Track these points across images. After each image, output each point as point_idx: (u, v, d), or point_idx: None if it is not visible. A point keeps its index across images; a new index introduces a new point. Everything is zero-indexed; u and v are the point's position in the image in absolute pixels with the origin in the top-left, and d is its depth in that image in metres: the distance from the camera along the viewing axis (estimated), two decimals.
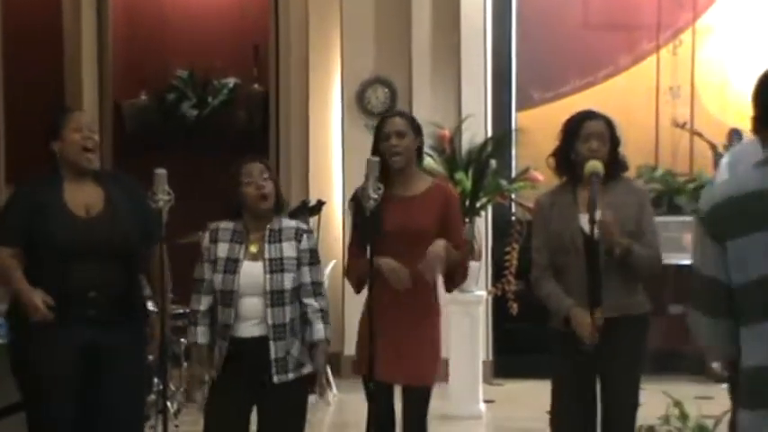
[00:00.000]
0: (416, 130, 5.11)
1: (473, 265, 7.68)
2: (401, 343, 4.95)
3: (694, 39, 9.93)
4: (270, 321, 4.73)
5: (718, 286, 2.88)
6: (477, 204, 8.07)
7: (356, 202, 4.98)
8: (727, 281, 2.86)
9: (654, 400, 5.75)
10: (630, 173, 8.59)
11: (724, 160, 5.05)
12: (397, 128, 5.04)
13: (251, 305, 4.76)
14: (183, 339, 7.18)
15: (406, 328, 4.98)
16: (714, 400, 6.50)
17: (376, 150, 5.04)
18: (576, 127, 4.90)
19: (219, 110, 11.53)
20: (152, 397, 6.85)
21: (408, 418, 5.05)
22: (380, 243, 4.87)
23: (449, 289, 5.19)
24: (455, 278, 5.13)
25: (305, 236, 4.88)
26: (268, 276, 4.74)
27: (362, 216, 4.85)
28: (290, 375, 4.76)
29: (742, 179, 2.98)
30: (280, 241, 4.83)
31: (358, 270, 5.01)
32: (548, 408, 5.00)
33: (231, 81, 11.54)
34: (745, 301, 2.84)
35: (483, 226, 8.82)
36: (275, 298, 4.73)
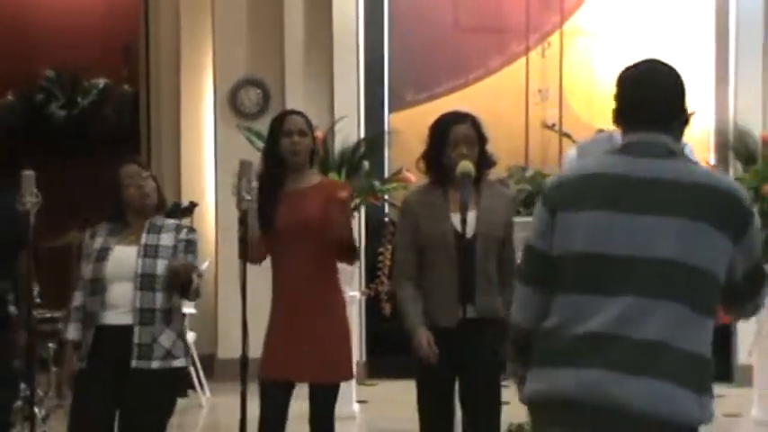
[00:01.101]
0: (312, 130, 5.19)
1: (348, 267, 7.72)
2: (307, 339, 4.95)
3: (562, 41, 10.09)
4: (137, 305, 4.70)
5: (540, 257, 3.10)
6: (350, 205, 8.08)
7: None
8: (549, 251, 3.07)
9: (514, 399, 5.82)
10: (501, 173, 8.80)
11: (572, 152, 5.16)
12: (299, 126, 5.09)
13: (120, 292, 4.75)
14: (51, 344, 7.06)
15: (312, 323, 4.98)
16: None
17: (273, 147, 5.05)
18: (443, 131, 4.94)
19: (89, 110, 11.36)
20: (18, 403, 6.70)
21: (316, 418, 5.04)
22: (273, 239, 4.94)
23: (342, 259, 5.20)
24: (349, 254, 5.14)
25: (185, 230, 4.98)
26: (140, 260, 4.75)
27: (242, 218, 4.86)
28: (155, 364, 4.72)
29: (592, 162, 3.19)
30: (159, 232, 4.89)
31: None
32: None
33: (101, 81, 11.38)
34: (562, 272, 3.03)
35: (356, 227, 8.84)
36: (145, 282, 4.73)
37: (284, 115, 5.25)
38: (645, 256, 2.93)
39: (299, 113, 5.28)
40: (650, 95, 3.08)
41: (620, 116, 3.13)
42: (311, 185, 5.11)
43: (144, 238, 4.84)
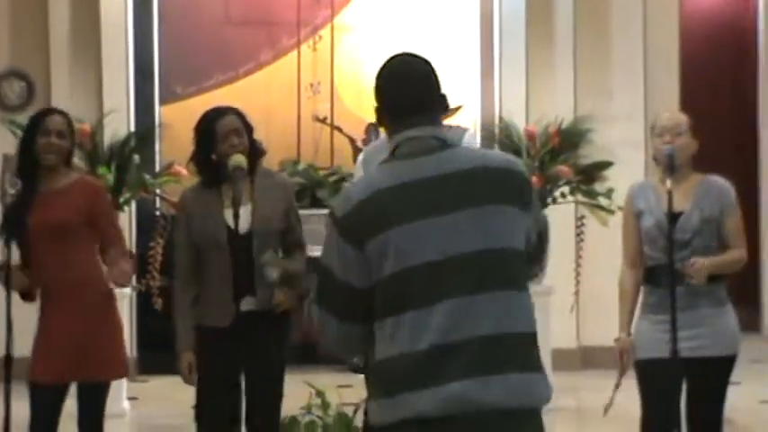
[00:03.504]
0: (73, 131, 5.08)
1: None
2: (76, 338, 4.84)
3: (333, 35, 10.18)
4: None
5: (352, 292, 2.96)
6: (121, 200, 7.96)
7: None
8: (361, 285, 2.94)
9: (296, 390, 5.86)
10: (273, 167, 8.82)
11: (360, 157, 5.23)
12: (58, 127, 4.95)
13: None
14: None
15: (80, 321, 4.87)
16: (353, 389, 6.69)
17: (28, 144, 4.92)
18: (209, 128, 4.91)
19: None
20: None
21: (84, 417, 4.94)
22: (29, 239, 4.84)
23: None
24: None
25: None
26: None
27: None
28: None
29: (369, 180, 3.05)
30: None
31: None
32: (192, 403, 4.99)
33: None
34: (381, 296, 2.92)
35: (127, 221, 8.71)
36: None
37: (45, 113, 5.09)
38: (460, 252, 2.91)
39: (61, 113, 5.10)
40: (412, 90, 3.07)
41: (387, 115, 3.08)
42: (66, 184, 4.97)
43: None
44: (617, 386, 4.82)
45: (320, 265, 3.02)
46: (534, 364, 2.96)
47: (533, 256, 3.12)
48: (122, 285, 5.21)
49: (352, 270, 2.95)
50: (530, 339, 2.97)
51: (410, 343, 2.87)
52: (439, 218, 2.92)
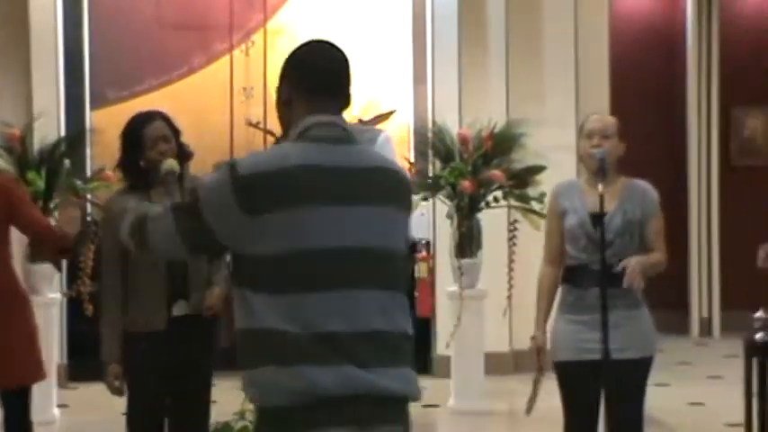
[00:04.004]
0: None
1: (49, 268, 7.54)
2: None
3: (266, 40, 10.15)
4: None
5: (210, 235, 2.93)
6: (51, 205, 7.88)
7: None
8: (221, 239, 2.93)
9: (229, 395, 5.83)
10: (207, 171, 8.75)
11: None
12: None
13: None
14: None
15: None
16: None
17: None
18: (137, 134, 4.88)
19: None
20: None
21: (9, 424, 4.88)
22: None
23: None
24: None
25: None
26: None
27: None
28: None
29: (284, 152, 2.98)
30: None
31: None
32: (123, 410, 4.95)
33: None
34: (279, 269, 2.88)
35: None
36: None
37: None
38: (367, 245, 2.93)
39: None
40: (332, 74, 3.05)
41: (301, 94, 3.02)
42: None
43: None
44: (537, 384, 4.83)
45: (195, 193, 2.97)
46: (410, 363, 3.02)
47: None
48: (71, 232, 5.05)
49: (223, 224, 2.91)
50: (409, 340, 3.04)
51: (306, 324, 2.86)
52: (351, 206, 2.93)
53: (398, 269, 3.04)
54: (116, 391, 4.84)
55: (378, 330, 2.93)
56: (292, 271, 2.88)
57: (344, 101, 3.08)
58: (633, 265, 4.61)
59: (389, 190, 3.03)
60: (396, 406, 2.95)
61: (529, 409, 4.90)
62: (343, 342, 2.87)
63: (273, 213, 2.87)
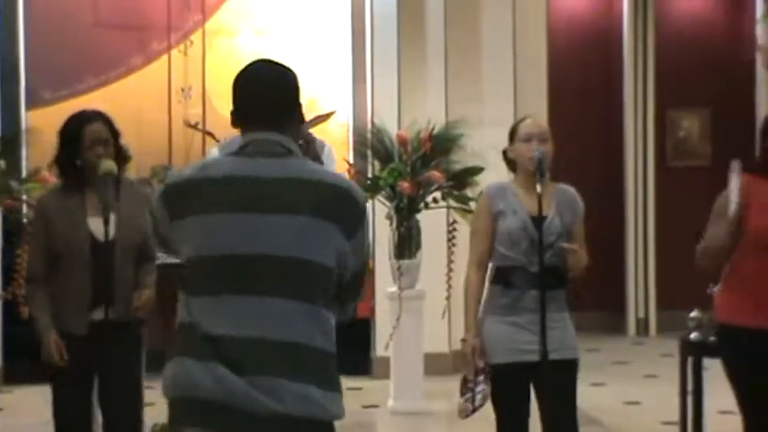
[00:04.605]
0: None
1: None
2: None
3: (204, 40, 10.11)
4: None
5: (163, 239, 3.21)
6: None
7: None
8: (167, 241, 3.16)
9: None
10: (145, 172, 8.72)
11: (213, 151, 5.19)
12: None
13: None
14: None
15: None
16: None
17: None
18: (76, 133, 4.85)
19: None
20: None
21: None
22: None
23: None
24: None
25: None
26: None
27: None
28: None
29: (204, 164, 3.21)
30: None
31: None
32: None
33: None
34: (191, 273, 3.05)
35: None
36: None
37: None
38: (268, 254, 2.98)
39: None
40: (264, 97, 3.13)
41: (237, 117, 3.17)
42: None
43: None
44: (469, 386, 4.82)
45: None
46: (321, 380, 2.99)
47: (349, 291, 3.19)
48: None
49: (165, 229, 3.14)
50: (322, 356, 3.03)
51: (205, 325, 2.96)
52: (263, 216, 2.99)
53: (313, 280, 3.03)
54: (59, 359, 4.75)
55: (267, 339, 2.94)
56: (198, 275, 3.02)
57: (285, 118, 3.15)
58: (572, 248, 4.68)
59: (320, 203, 3.04)
60: (272, 423, 2.92)
61: (464, 412, 4.85)
62: (227, 347, 2.93)
63: (185, 220, 3.04)
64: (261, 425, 2.92)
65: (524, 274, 4.76)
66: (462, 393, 4.82)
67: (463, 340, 4.87)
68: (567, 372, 4.81)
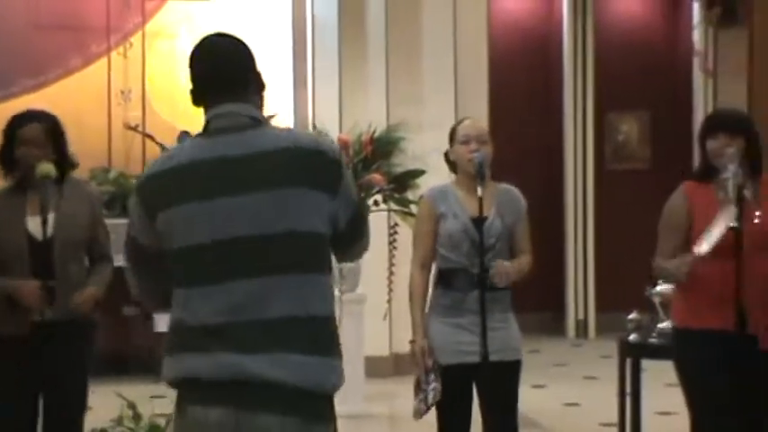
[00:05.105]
0: None
1: None
2: None
3: (144, 42, 10.05)
4: None
5: (143, 251, 3.09)
6: None
7: None
8: (150, 247, 3.06)
9: (107, 401, 5.76)
10: (84, 175, 8.65)
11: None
12: None
13: None
14: None
15: None
16: (167, 398, 6.60)
17: None
18: (12, 134, 4.84)
19: None
20: None
21: None
22: None
23: None
24: None
25: None
26: None
27: None
28: None
29: (171, 154, 3.09)
30: None
31: None
32: None
33: None
34: (173, 267, 3.01)
35: None
36: None
37: None
38: (255, 234, 2.93)
39: None
40: (220, 66, 3.09)
41: (197, 94, 3.11)
42: None
43: None
44: (422, 386, 4.84)
45: (128, 236, 3.14)
46: (322, 349, 2.99)
47: (348, 237, 3.16)
48: None
49: (143, 232, 3.06)
50: (322, 323, 3.02)
51: (194, 316, 2.94)
52: (237, 198, 2.95)
53: (305, 250, 2.99)
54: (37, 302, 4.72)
55: (264, 320, 2.92)
56: (185, 266, 2.98)
57: (247, 87, 3.10)
58: (503, 265, 4.69)
59: (296, 170, 2.98)
60: (278, 393, 2.90)
61: (419, 413, 4.87)
62: (226, 334, 2.91)
63: (163, 213, 2.99)
64: (264, 396, 2.90)
65: (466, 275, 4.79)
66: (416, 394, 4.85)
67: (411, 342, 4.89)
68: (508, 373, 4.85)
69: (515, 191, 5.02)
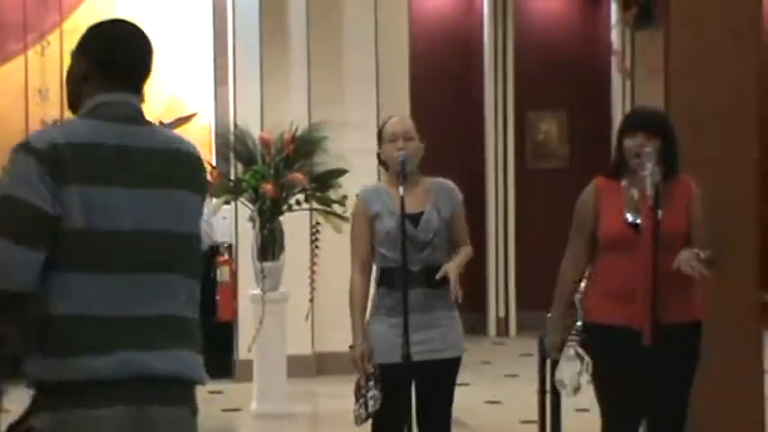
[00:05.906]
0: None
1: None
2: None
3: (62, 40, 9.93)
4: None
5: (40, 215, 2.81)
6: None
7: None
8: (52, 212, 2.82)
9: (24, 404, 5.65)
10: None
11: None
12: None
13: None
14: None
15: None
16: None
17: None
18: None
19: None
20: None
21: None
22: None
23: None
24: None
25: None
26: None
27: None
28: None
29: (70, 128, 2.95)
30: None
31: None
32: None
33: None
34: (64, 247, 2.84)
35: None
36: None
37: None
38: (152, 229, 2.91)
39: None
40: (123, 52, 3.01)
41: (94, 72, 2.98)
42: None
43: None
44: (362, 392, 4.82)
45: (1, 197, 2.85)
46: (197, 346, 3.02)
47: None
48: None
49: (45, 196, 2.81)
50: (197, 325, 3.04)
51: (87, 306, 2.84)
52: (137, 189, 2.91)
53: (191, 254, 3.01)
54: None
55: (155, 314, 2.91)
56: (84, 250, 2.85)
57: (140, 80, 3.04)
58: (454, 280, 4.72)
59: (185, 174, 3.00)
60: (171, 388, 2.92)
61: (359, 419, 4.84)
62: (124, 328, 2.87)
63: (72, 186, 2.83)
64: (159, 389, 2.90)
65: (407, 273, 4.78)
66: (356, 399, 4.84)
67: (351, 347, 4.88)
68: (450, 370, 4.90)
69: (450, 183, 5.04)
